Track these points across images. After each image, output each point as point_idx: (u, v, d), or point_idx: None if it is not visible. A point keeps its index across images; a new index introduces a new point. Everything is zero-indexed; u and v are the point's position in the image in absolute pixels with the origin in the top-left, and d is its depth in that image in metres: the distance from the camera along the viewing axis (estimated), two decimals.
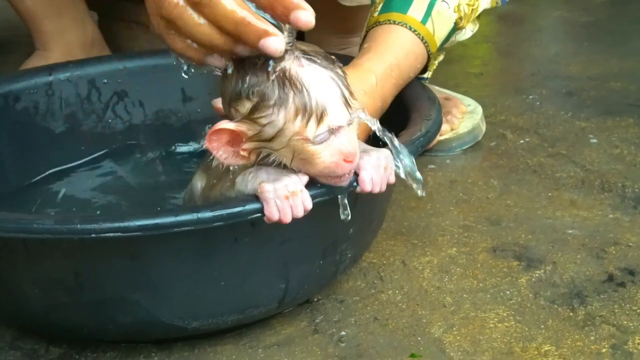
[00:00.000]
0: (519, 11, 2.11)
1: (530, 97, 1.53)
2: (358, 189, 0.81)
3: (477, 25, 1.19)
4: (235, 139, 0.79)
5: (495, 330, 0.91)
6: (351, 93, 0.79)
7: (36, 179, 1.11)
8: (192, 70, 0.87)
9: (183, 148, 1.19)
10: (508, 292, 0.97)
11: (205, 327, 0.86)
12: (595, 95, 1.52)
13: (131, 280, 0.81)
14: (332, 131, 0.77)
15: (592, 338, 0.89)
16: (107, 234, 0.74)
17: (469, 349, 0.88)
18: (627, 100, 1.49)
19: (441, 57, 1.24)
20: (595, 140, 1.34)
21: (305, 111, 0.76)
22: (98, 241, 0.76)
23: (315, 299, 0.96)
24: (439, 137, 1.29)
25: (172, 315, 0.84)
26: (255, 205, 0.77)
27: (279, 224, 0.78)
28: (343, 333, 0.91)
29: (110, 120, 1.16)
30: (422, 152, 0.93)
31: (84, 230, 0.75)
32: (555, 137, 1.36)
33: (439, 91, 1.38)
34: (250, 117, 0.78)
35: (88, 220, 0.75)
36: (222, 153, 0.79)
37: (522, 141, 1.35)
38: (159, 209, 1.06)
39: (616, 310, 0.93)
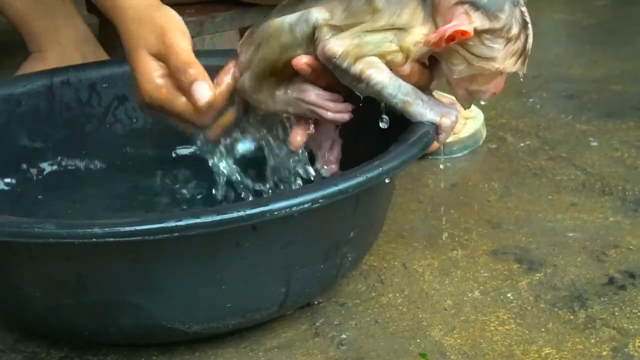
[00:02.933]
0: None
1: (531, 100, 1.53)
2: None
3: None
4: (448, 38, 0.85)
5: (495, 333, 0.91)
6: None
7: (35, 182, 1.12)
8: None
9: (183, 151, 1.19)
10: (509, 295, 0.97)
11: (206, 331, 0.86)
12: (596, 97, 1.52)
13: (132, 283, 0.82)
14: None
15: (592, 341, 0.89)
16: (108, 239, 0.75)
17: (469, 351, 0.88)
18: (629, 103, 1.49)
19: None
20: (596, 143, 1.34)
21: (522, 54, 0.87)
22: (100, 245, 0.76)
23: (316, 302, 0.97)
24: None
25: (173, 318, 0.84)
26: (256, 210, 0.77)
27: (280, 227, 0.79)
28: (344, 336, 0.91)
29: (109, 125, 1.16)
30: (423, 155, 0.93)
31: (86, 235, 0.75)
32: (556, 139, 1.36)
33: (443, 95, 1.38)
34: (480, 33, 0.85)
35: (89, 225, 0.75)
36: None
37: (522, 144, 1.35)
38: (160, 213, 1.06)
39: (617, 313, 0.93)
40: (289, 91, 0.94)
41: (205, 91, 0.92)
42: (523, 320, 0.93)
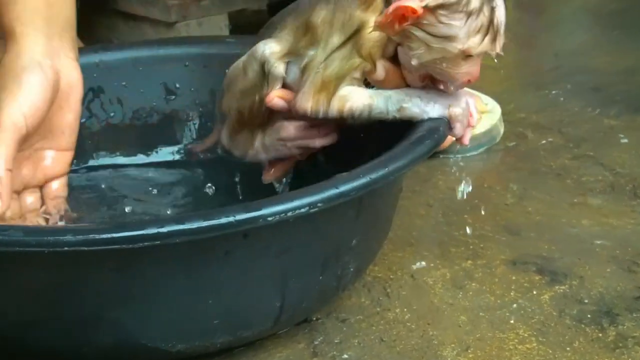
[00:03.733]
0: None
1: (553, 92, 1.53)
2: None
3: None
4: (398, 19, 0.85)
5: (515, 352, 0.90)
6: None
7: None
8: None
9: (166, 149, 1.19)
10: (529, 310, 0.97)
11: (191, 350, 0.86)
12: (624, 90, 1.52)
13: (110, 297, 0.81)
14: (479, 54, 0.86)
15: None
16: (81, 247, 0.74)
17: None
18: None
19: None
20: (625, 140, 1.34)
21: (488, 30, 0.84)
22: (73, 254, 0.75)
23: (314, 318, 0.96)
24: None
25: (154, 336, 0.83)
26: (248, 215, 0.77)
27: (274, 234, 0.79)
28: (345, 356, 0.91)
29: (84, 120, 1.16)
30: (433, 153, 0.93)
31: (57, 243, 0.74)
32: (581, 136, 1.36)
33: None
34: (434, 9, 0.83)
35: (61, 232, 0.75)
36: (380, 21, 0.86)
37: (543, 141, 1.35)
38: (139, 218, 1.06)
39: None
40: (266, 137, 0.96)
41: None
42: (546, 338, 0.92)
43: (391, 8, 0.84)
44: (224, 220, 0.76)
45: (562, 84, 1.56)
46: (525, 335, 0.93)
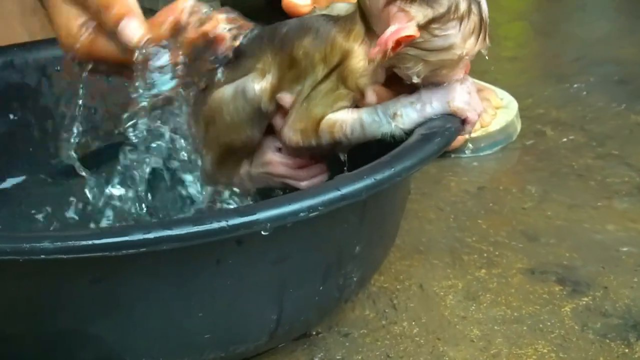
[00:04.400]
0: None
1: (575, 85, 1.53)
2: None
3: None
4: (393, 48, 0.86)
5: None
6: None
7: None
8: None
9: (153, 145, 1.19)
10: (549, 324, 0.97)
11: None
12: None
13: (91, 309, 0.81)
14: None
15: None
16: (60, 255, 0.74)
17: None
18: None
19: None
20: None
21: (481, 28, 0.87)
22: (50, 262, 0.75)
23: (314, 332, 0.96)
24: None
25: (139, 352, 0.83)
26: (242, 220, 0.77)
27: (270, 241, 0.79)
28: None
29: (63, 116, 1.16)
30: (444, 152, 0.93)
31: (33, 250, 0.74)
32: (605, 134, 1.36)
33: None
34: (426, 25, 0.84)
35: (38, 238, 0.74)
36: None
37: (564, 139, 1.35)
38: (121, 224, 1.06)
39: None
40: (252, 168, 0.99)
41: (134, 29, 0.91)
42: (567, 355, 0.92)
43: (389, 40, 0.84)
44: (215, 225, 0.76)
45: (585, 77, 1.57)
46: (545, 351, 0.93)
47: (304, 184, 0.97)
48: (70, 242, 0.74)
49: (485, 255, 1.09)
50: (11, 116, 1.16)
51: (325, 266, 0.88)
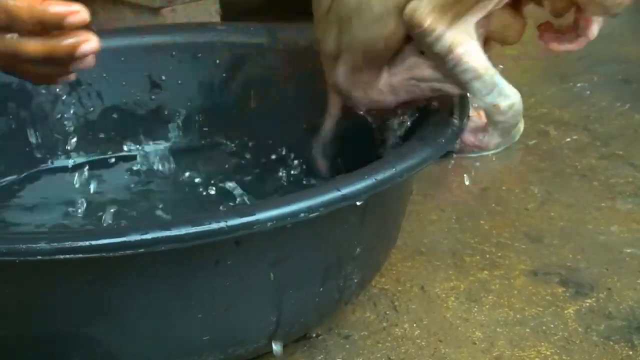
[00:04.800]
0: None
1: (579, 84, 1.53)
2: None
3: None
4: None
5: None
6: None
7: None
8: None
9: (149, 148, 1.19)
10: (552, 326, 0.97)
11: None
12: None
13: (88, 311, 0.81)
14: None
15: None
16: (57, 256, 0.74)
17: None
18: None
19: None
20: None
21: None
22: (47, 263, 0.76)
23: (314, 334, 0.96)
24: None
25: (137, 354, 0.83)
26: (240, 220, 0.77)
27: (270, 241, 0.79)
28: None
29: (60, 116, 1.16)
30: (446, 153, 0.93)
31: (29, 251, 0.74)
32: (609, 134, 1.36)
33: None
34: None
35: (34, 239, 0.75)
36: None
37: (568, 139, 1.35)
38: (121, 223, 1.06)
39: None
40: (394, 77, 0.92)
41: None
42: (570, 357, 0.92)
43: None
44: (214, 226, 0.76)
45: (589, 76, 1.56)
46: (548, 353, 0.93)
47: (456, 89, 0.91)
48: (67, 243, 0.74)
49: (487, 256, 1.09)
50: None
51: (325, 267, 0.88)
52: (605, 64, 1.62)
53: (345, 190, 0.80)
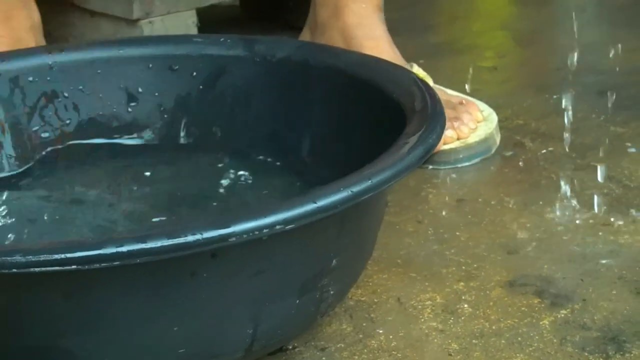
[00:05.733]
0: None
1: (555, 96, 1.53)
2: None
3: None
4: None
5: None
6: None
7: None
8: None
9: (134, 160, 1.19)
10: (528, 337, 0.97)
11: None
12: (635, 93, 1.53)
13: (63, 324, 0.81)
14: None
15: None
16: (32, 269, 0.74)
17: None
18: None
19: None
20: (633, 150, 1.35)
21: None
22: (22, 276, 0.76)
23: (291, 347, 0.97)
24: (443, 147, 1.30)
25: None
26: (217, 233, 0.77)
27: (246, 254, 0.79)
28: None
29: (37, 128, 1.16)
30: (422, 163, 0.94)
31: (4, 264, 0.75)
32: (586, 145, 1.36)
33: (451, 94, 1.39)
34: None
35: (9, 252, 0.75)
36: None
37: (544, 150, 1.36)
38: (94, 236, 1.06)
39: None
40: None
41: None
42: None
43: None
44: (190, 238, 0.76)
45: (565, 87, 1.56)
46: None
47: None
48: (43, 256, 0.74)
49: (464, 268, 1.09)
50: None
51: (302, 280, 0.88)
52: (582, 75, 1.62)
53: (321, 203, 0.81)
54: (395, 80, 1.06)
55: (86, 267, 0.75)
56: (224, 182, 1.14)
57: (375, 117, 1.06)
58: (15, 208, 1.11)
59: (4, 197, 1.13)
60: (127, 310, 0.81)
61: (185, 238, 0.76)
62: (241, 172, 1.15)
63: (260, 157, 1.16)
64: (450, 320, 1.00)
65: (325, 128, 1.11)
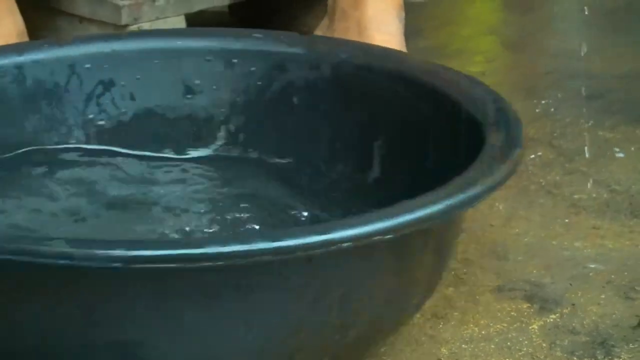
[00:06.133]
0: None
1: (543, 101, 1.53)
2: None
3: None
4: None
5: None
6: None
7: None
8: None
9: (197, 153, 1.17)
10: (517, 341, 0.98)
11: None
12: (623, 98, 1.54)
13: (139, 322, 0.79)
14: None
15: None
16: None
17: None
18: None
19: None
20: (621, 155, 1.35)
21: None
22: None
23: None
24: None
25: None
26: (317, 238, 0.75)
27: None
28: None
29: (92, 116, 1.15)
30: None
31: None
32: (574, 150, 1.37)
33: None
34: None
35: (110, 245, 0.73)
36: None
37: (533, 155, 1.36)
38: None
39: None
40: None
41: None
42: None
43: None
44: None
45: (554, 92, 1.57)
46: None
47: None
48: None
49: (453, 272, 1.09)
50: None
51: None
52: (570, 79, 1.62)
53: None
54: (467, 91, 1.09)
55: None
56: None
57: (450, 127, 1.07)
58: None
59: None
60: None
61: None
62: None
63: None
64: (440, 325, 1.00)
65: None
